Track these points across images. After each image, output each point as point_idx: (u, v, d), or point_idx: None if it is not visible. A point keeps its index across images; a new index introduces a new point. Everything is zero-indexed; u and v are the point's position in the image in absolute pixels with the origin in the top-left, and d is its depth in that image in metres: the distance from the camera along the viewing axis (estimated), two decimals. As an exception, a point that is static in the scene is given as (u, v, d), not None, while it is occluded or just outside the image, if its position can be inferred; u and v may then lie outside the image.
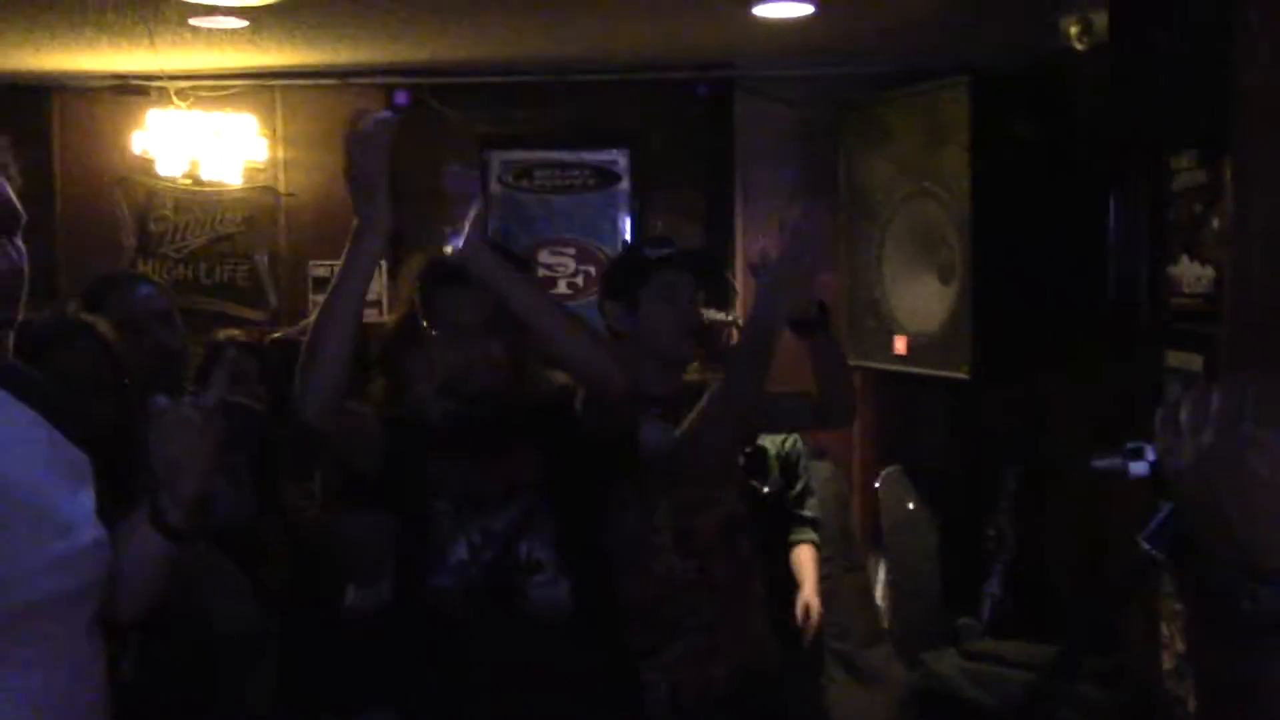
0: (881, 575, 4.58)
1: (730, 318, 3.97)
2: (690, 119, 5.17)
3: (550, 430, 2.23)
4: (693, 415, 2.48)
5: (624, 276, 2.74)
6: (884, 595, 4.55)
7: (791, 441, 3.75)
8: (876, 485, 4.56)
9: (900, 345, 4.27)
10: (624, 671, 2.44)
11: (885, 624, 4.45)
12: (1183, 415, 0.88)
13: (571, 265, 5.16)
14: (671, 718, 2.55)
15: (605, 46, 4.70)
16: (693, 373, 2.79)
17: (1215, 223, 3.46)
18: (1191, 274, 3.51)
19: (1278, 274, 3.07)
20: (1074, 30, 3.42)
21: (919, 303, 4.20)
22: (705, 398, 2.49)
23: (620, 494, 2.48)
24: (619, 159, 5.15)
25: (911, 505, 4.43)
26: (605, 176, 5.17)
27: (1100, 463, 0.97)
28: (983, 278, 3.91)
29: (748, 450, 3.57)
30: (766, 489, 3.62)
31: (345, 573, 3.26)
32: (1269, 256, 3.10)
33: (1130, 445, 0.96)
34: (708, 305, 3.34)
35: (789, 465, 3.72)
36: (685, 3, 4.06)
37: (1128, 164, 3.81)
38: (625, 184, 5.16)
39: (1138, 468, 0.95)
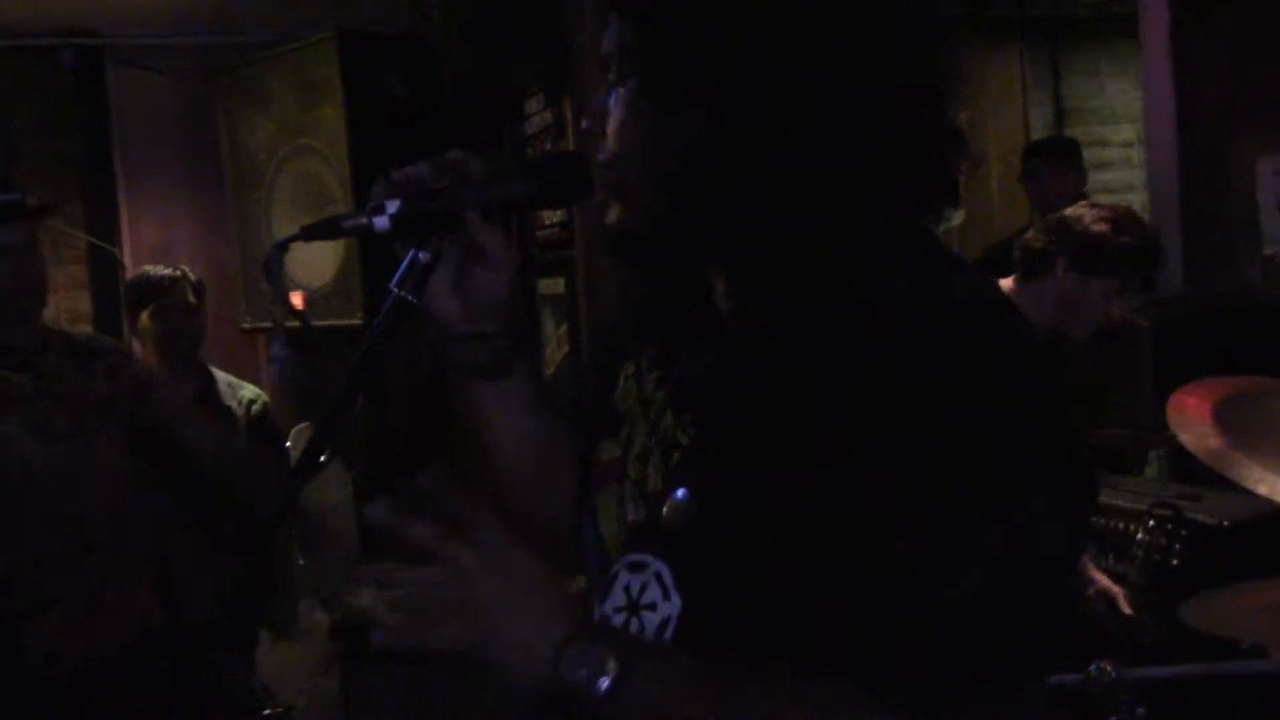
0: (299, 533, 4.61)
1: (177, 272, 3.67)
2: (59, 90, 4.90)
3: None
4: None
5: None
6: (303, 553, 4.58)
7: (259, 403, 3.67)
8: (288, 444, 4.58)
9: (297, 300, 4.33)
10: None
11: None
12: None
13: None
14: (47, 687, 2.46)
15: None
16: None
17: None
18: (549, 206, 3.86)
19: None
20: (425, -16, 3.65)
21: (311, 256, 4.27)
22: None
23: None
24: (-22, 133, 4.79)
25: (323, 459, 4.49)
26: (-37, 153, 4.78)
27: (348, 222, 1.08)
28: (368, 226, 4.05)
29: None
30: None
31: None
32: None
33: (372, 204, 1.07)
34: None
35: (258, 424, 3.64)
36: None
37: (488, 111, 4.11)
38: (-13, 160, 4.80)
39: (380, 222, 1.07)
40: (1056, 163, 4.23)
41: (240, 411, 3.61)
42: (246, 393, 3.66)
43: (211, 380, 3.57)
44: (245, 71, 4.52)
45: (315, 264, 4.28)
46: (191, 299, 3.50)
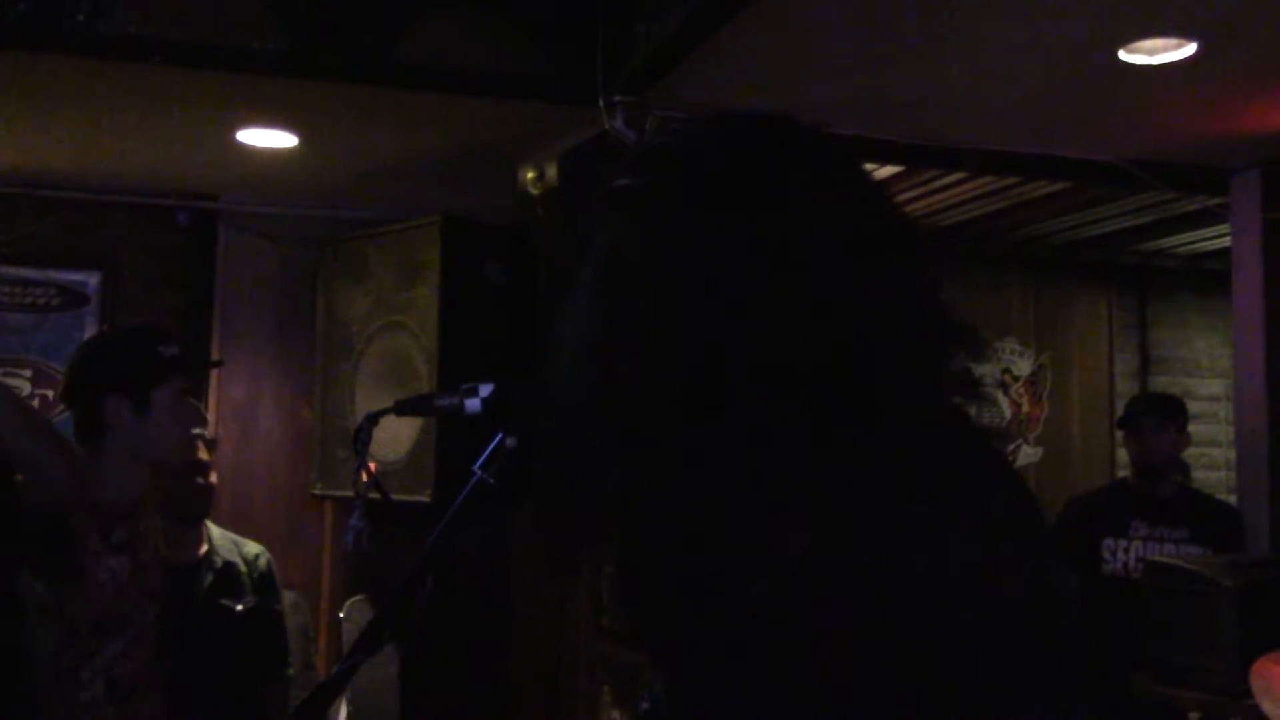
0: (343, 707, 4.54)
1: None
2: (170, 247, 5.09)
3: None
4: None
5: (137, 372, 2.52)
6: (345, 729, 4.50)
7: (264, 559, 3.66)
8: (341, 615, 4.56)
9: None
10: None
11: (345, 758, 4.39)
12: None
13: (28, 388, 4.86)
14: None
15: (81, 162, 4.58)
16: None
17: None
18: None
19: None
20: (530, 177, 3.77)
21: (388, 431, 4.31)
22: None
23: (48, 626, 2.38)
24: (89, 281, 4.96)
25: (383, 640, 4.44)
26: (73, 298, 4.95)
27: (441, 402, 1.10)
28: (448, 406, 4.10)
29: (219, 566, 3.48)
30: (240, 606, 3.51)
31: None
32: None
33: (465, 386, 1.09)
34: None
35: (265, 581, 3.62)
36: (170, 123, 4.06)
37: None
38: (94, 307, 4.96)
39: (472, 404, 1.09)
40: (1159, 419, 4.21)
41: (245, 569, 3.57)
42: (251, 549, 3.62)
43: (211, 542, 3.55)
44: (349, 245, 4.67)
45: (391, 438, 4.32)
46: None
